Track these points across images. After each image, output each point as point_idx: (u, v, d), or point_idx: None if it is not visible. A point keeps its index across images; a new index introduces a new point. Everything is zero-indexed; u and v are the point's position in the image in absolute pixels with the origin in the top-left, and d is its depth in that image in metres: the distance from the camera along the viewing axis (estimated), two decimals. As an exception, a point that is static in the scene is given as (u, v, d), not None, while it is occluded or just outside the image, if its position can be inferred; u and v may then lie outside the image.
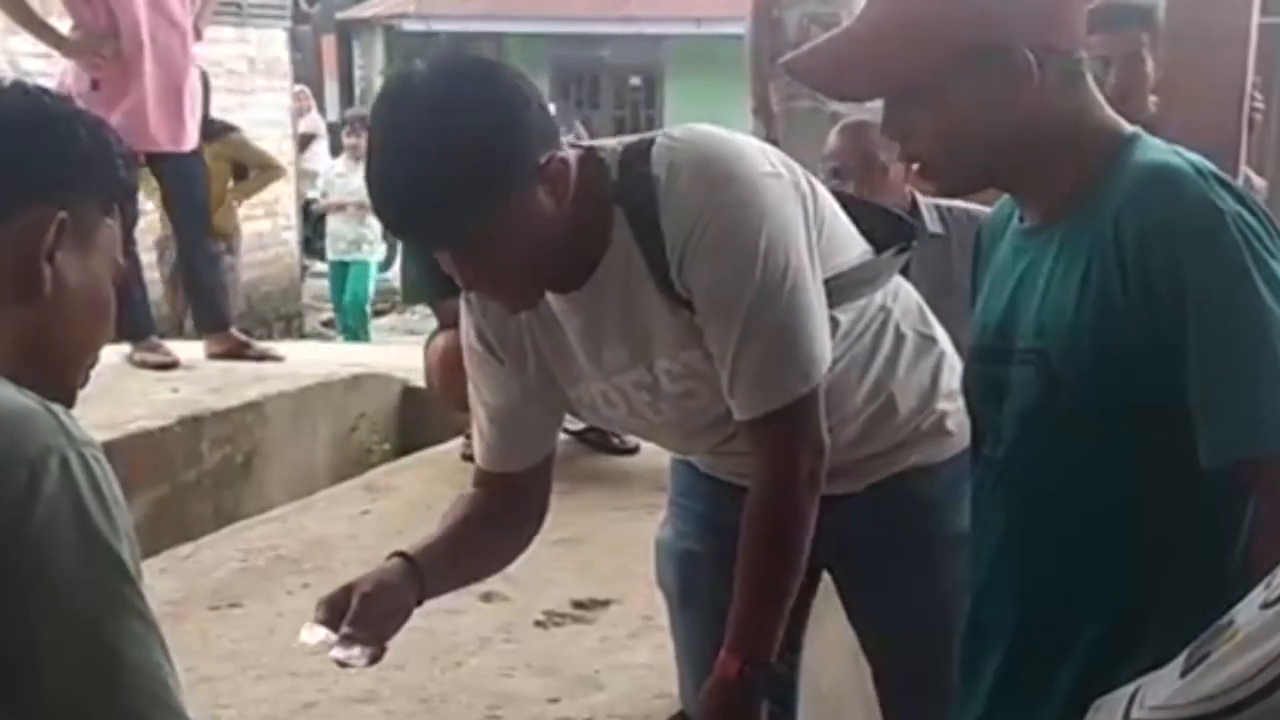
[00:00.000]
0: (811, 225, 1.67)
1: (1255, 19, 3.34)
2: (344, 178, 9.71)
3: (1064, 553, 1.43)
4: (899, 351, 1.82)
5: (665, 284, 1.62)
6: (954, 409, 1.84)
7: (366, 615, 1.58)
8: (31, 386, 1.04)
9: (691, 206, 1.58)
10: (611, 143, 1.68)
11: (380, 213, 1.54)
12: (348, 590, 1.60)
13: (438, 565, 1.69)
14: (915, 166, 1.49)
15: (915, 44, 1.36)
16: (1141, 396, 1.33)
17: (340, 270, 9.99)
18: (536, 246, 1.55)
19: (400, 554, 1.68)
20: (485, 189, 1.48)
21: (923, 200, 3.21)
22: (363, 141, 8.73)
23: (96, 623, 0.95)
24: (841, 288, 1.71)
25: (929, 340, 1.87)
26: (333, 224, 9.97)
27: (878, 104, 4.42)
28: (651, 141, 1.64)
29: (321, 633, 1.55)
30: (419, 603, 1.67)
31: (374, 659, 1.57)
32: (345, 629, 1.56)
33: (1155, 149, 1.38)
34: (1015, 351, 1.43)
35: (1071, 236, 1.38)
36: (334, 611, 1.58)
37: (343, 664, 1.56)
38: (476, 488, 1.81)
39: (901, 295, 1.87)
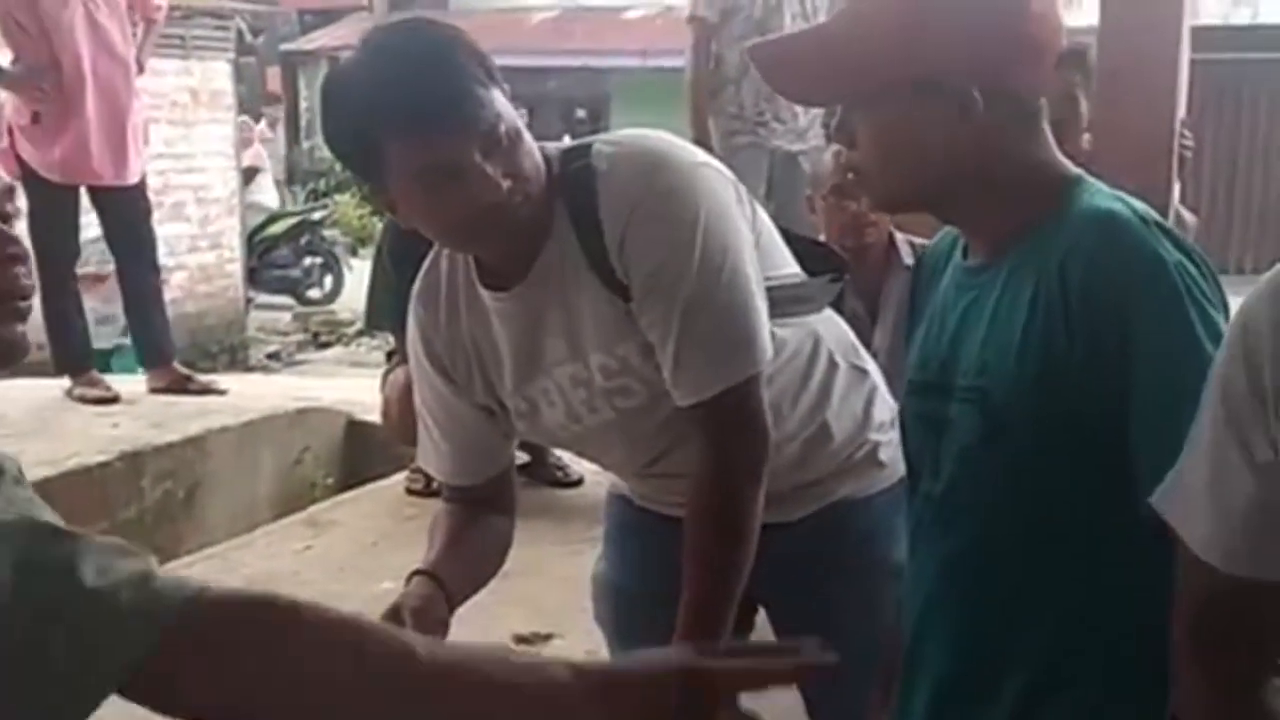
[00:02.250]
0: (747, 223, 1.70)
1: (1185, 59, 3.42)
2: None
3: (1001, 590, 1.43)
4: (832, 379, 1.84)
5: (604, 273, 1.64)
6: (886, 440, 1.86)
7: (424, 629, 1.60)
8: None
9: (630, 193, 1.62)
10: (553, 145, 1.72)
11: (414, 105, 1.52)
12: (397, 610, 1.62)
13: (453, 574, 1.71)
14: (850, 175, 1.52)
15: (865, 62, 1.37)
16: (1082, 439, 1.34)
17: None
18: (532, 156, 1.60)
19: (419, 572, 1.70)
20: (489, 73, 1.57)
21: (899, 235, 3.27)
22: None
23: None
24: (776, 300, 1.73)
25: (861, 372, 1.90)
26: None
27: (814, 138, 4.44)
28: (591, 143, 1.70)
29: None
30: (451, 612, 1.69)
31: None
32: None
33: (1100, 194, 1.39)
34: (956, 389, 1.43)
35: (1015, 276, 1.39)
36: None
37: None
38: (446, 502, 1.84)
39: (833, 327, 1.90)
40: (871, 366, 1.92)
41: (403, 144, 1.53)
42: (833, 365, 1.84)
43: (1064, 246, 1.34)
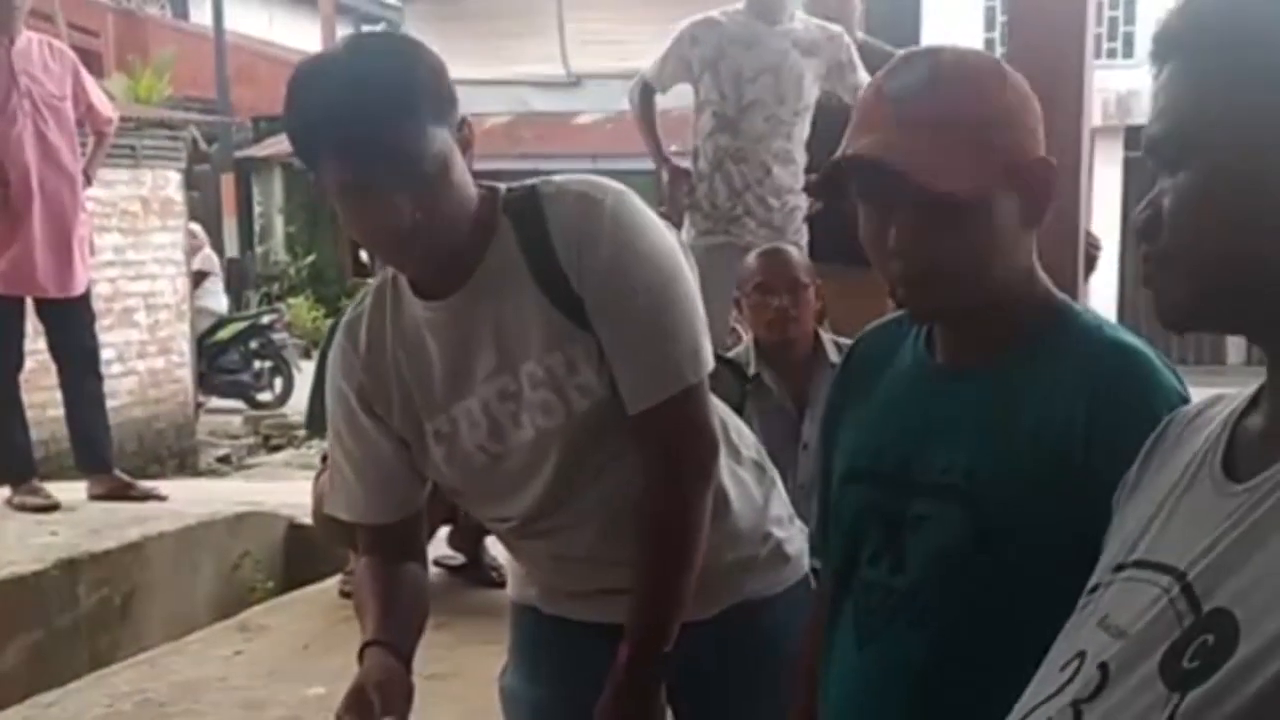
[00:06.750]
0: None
1: (1087, 159, 3.55)
2: None
3: (962, 692, 1.37)
4: (735, 462, 1.88)
5: (549, 283, 1.70)
6: (786, 536, 1.92)
7: (391, 703, 1.63)
8: None
9: (580, 214, 1.71)
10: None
11: (344, 131, 1.57)
12: (361, 690, 1.64)
13: (401, 637, 1.74)
14: (899, 286, 1.37)
15: (967, 153, 1.30)
16: (1070, 554, 1.28)
17: None
18: (456, 192, 1.65)
19: (370, 643, 1.72)
20: (436, 107, 1.61)
21: (824, 334, 3.38)
22: None
23: None
24: None
25: (761, 468, 1.96)
26: None
27: (794, 234, 4.32)
28: (533, 181, 1.78)
29: None
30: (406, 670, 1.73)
31: None
32: None
33: (1110, 323, 1.40)
34: (922, 485, 1.40)
35: (1012, 388, 1.37)
36: (363, 712, 1.62)
37: None
38: (365, 555, 1.87)
39: (737, 419, 1.97)
40: (770, 466, 1.98)
41: (329, 159, 1.62)
42: (735, 450, 1.89)
43: (1084, 370, 1.33)
